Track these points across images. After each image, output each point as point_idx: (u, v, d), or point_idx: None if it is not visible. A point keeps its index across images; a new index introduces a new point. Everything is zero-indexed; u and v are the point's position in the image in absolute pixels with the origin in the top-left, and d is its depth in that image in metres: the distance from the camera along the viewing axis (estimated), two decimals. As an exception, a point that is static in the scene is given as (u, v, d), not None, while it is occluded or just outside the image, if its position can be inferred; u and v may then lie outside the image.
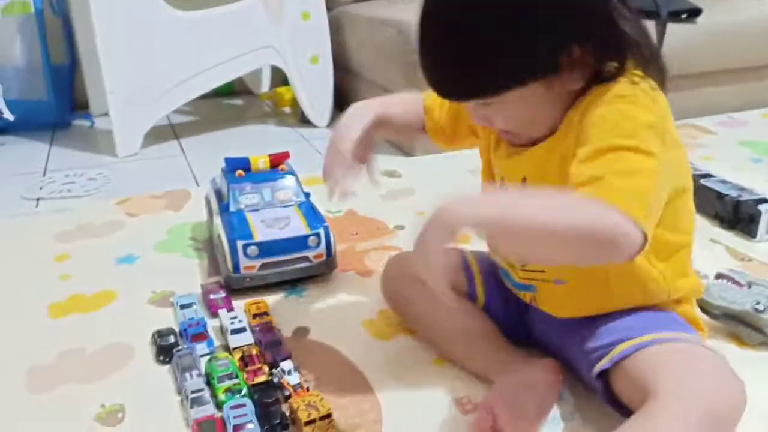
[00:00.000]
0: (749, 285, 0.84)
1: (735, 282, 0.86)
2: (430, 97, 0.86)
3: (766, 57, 1.95)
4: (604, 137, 0.59)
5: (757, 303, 0.81)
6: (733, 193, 1.15)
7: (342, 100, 2.00)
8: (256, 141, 1.84)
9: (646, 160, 0.58)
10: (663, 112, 0.64)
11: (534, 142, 0.69)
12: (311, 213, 1.05)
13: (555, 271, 0.72)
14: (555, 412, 0.73)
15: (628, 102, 0.61)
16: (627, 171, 0.57)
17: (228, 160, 1.09)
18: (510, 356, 0.77)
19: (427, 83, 0.66)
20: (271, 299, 0.97)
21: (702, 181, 1.21)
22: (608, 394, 0.67)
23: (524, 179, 0.72)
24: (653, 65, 0.65)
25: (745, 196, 1.14)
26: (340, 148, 0.80)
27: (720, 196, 1.17)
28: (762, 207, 1.10)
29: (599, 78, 0.64)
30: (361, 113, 0.83)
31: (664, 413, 0.55)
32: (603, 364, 0.65)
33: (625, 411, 0.64)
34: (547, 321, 0.77)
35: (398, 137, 0.83)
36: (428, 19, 0.63)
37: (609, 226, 0.54)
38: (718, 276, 0.89)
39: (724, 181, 1.22)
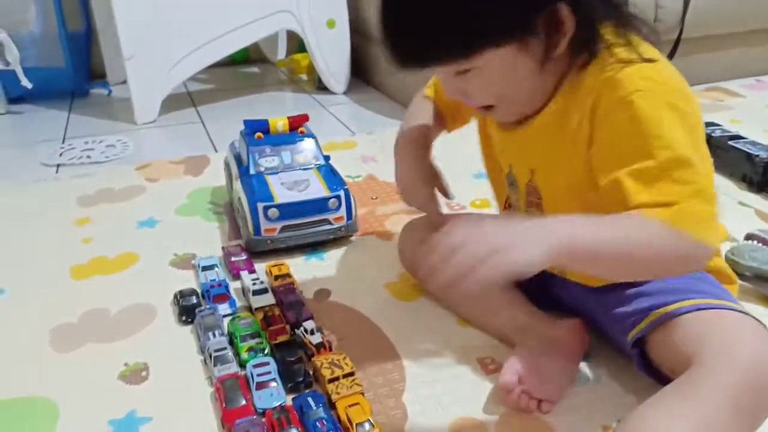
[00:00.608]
0: (780, 245, 0.82)
1: (766, 243, 0.84)
2: (431, 89, 0.86)
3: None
4: (652, 152, 0.56)
5: (790, 263, 0.79)
6: (763, 154, 1.12)
7: (359, 66, 1.97)
8: (272, 108, 1.83)
9: (699, 169, 0.56)
10: (681, 87, 0.60)
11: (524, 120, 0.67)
12: (331, 176, 1.03)
13: None
14: (581, 373, 0.72)
15: (656, 103, 0.57)
16: (692, 194, 0.55)
17: (247, 123, 1.08)
18: (533, 318, 0.76)
19: (389, 53, 0.60)
20: (292, 262, 0.96)
21: (731, 142, 1.18)
22: (643, 361, 0.65)
23: (532, 171, 0.70)
24: (643, 25, 0.62)
25: (774, 157, 1.11)
26: (414, 204, 0.83)
27: (749, 156, 1.14)
28: (792, 168, 1.07)
29: (591, 47, 0.60)
30: (412, 156, 0.82)
31: (709, 380, 0.54)
32: (638, 332, 0.64)
33: (660, 377, 0.63)
34: (572, 286, 0.76)
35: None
36: None
37: (692, 256, 0.57)
38: (748, 237, 0.87)
39: (754, 143, 1.18)
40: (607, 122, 0.60)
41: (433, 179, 0.82)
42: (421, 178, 0.81)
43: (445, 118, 0.86)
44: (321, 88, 1.94)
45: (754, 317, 0.61)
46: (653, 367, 0.65)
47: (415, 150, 0.83)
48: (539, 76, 0.62)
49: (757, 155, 1.13)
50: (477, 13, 0.56)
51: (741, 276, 0.81)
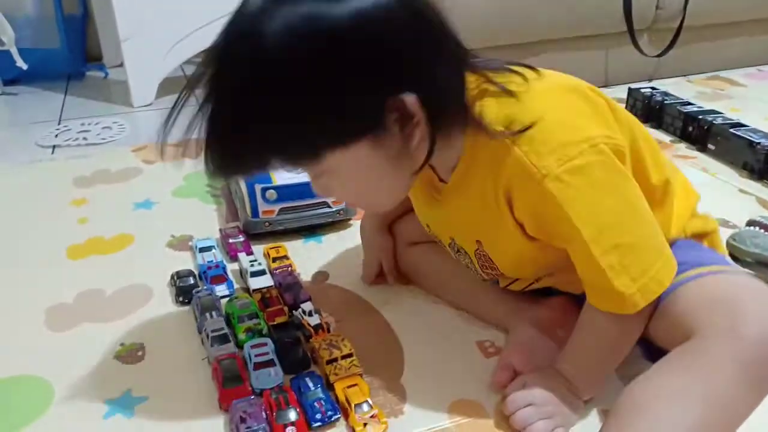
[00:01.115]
0: (782, 231, 0.82)
1: (764, 227, 0.83)
2: None
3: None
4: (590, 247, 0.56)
5: (791, 249, 0.79)
6: (765, 142, 1.12)
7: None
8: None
9: (632, 236, 0.58)
10: (572, 129, 0.57)
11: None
12: (330, 158, 1.02)
13: (535, 277, 0.72)
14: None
15: (569, 183, 0.55)
16: (629, 270, 0.57)
17: (245, 104, 1.07)
18: (520, 302, 0.75)
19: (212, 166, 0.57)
20: (290, 245, 0.95)
21: (732, 130, 1.17)
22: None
23: (479, 242, 0.67)
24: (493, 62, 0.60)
25: (772, 144, 1.11)
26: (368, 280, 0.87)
27: (751, 144, 1.13)
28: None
29: (458, 119, 0.57)
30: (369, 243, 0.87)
31: (714, 350, 0.52)
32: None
33: (655, 352, 0.62)
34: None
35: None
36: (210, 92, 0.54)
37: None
38: (750, 223, 0.86)
39: (755, 131, 1.18)
40: (531, 211, 0.59)
41: (383, 254, 0.85)
42: (372, 256, 0.86)
43: None
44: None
45: (751, 275, 0.60)
46: (648, 341, 0.64)
47: (379, 226, 0.86)
48: (398, 170, 0.58)
49: (759, 143, 1.12)
50: (313, 119, 0.51)
51: (743, 262, 0.81)
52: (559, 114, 0.57)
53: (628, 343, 0.63)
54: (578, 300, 0.68)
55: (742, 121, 1.24)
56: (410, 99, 0.52)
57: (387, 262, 0.85)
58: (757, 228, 0.83)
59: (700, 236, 0.70)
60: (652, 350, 0.63)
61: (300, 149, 0.55)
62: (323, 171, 0.57)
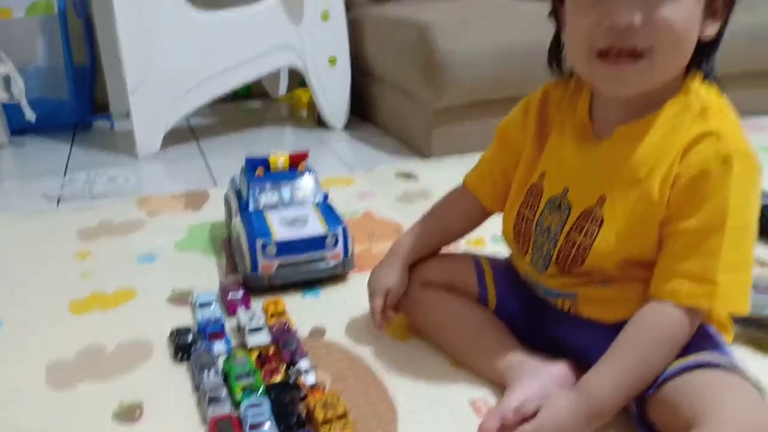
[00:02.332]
0: (772, 290, 0.83)
1: (757, 287, 0.84)
2: (470, 179, 0.87)
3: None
4: (725, 220, 0.62)
5: (780, 308, 0.80)
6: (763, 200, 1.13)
7: (359, 103, 2.00)
8: (272, 143, 1.86)
9: (750, 238, 0.64)
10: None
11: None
12: (330, 213, 1.05)
13: (600, 274, 0.70)
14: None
15: (748, 170, 0.63)
16: (734, 266, 0.63)
17: (248, 159, 1.10)
18: (523, 359, 0.76)
19: None
20: (289, 299, 0.97)
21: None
22: (642, 417, 0.66)
23: (602, 198, 0.69)
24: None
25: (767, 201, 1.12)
26: (370, 295, 0.87)
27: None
28: (785, 212, 1.08)
29: (708, 63, 0.66)
30: (392, 262, 0.87)
31: None
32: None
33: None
34: (575, 328, 0.76)
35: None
36: None
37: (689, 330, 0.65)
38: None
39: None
40: (699, 171, 0.63)
41: (393, 290, 0.85)
42: (385, 284, 0.85)
43: (486, 203, 0.85)
44: (321, 124, 1.97)
45: (749, 378, 0.62)
46: (650, 424, 0.65)
47: (399, 259, 0.87)
48: (690, 46, 0.63)
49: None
50: None
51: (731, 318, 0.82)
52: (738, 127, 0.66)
53: (667, 355, 0.64)
54: (581, 366, 0.70)
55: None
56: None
57: (392, 298, 0.85)
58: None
59: None
60: None
61: None
62: None
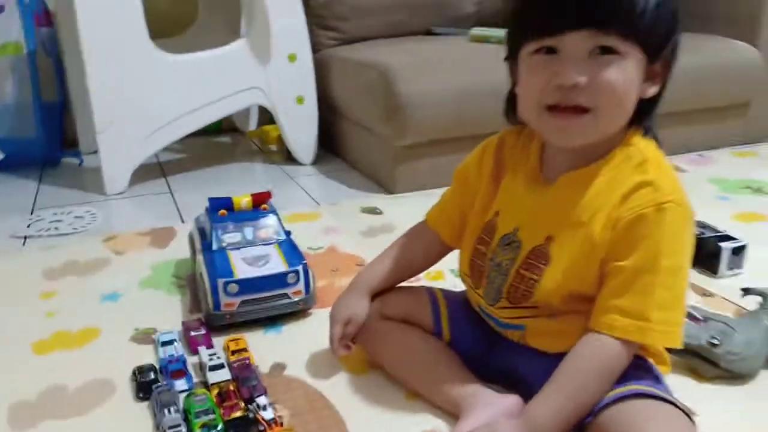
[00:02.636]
0: (706, 320, 0.88)
1: (693, 317, 0.90)
2: (431, 216, 0.92)
3: (736, 97, 2.02)
4: (659, 262, 0.68)
5: (713, 338, 0.85)
6: (695, 230, 1.19)
7: (327, 139, 2.06)
8: (242, 178, 1.89)
9: (682, 280, 0.70)
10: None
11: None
12: (291, 251, 1.08)
13: (547, 308, 0.75)
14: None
15: (681, 219, 0.68)
16: (666, 304, 0.68)
17: (211, 200, 1.13)
18: (477, 390, 0.79)
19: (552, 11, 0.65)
20: (251, 335, 1.00)
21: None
22: None
23: (549, 238, 0.73)
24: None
25: (708, 233, 1.19)
26: (332, 323, 0.90)
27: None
28: (723, 244, 1.15)
29: (647, 120, 0.72)
30: (355, 294, 0.91)
31: None
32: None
33: None
34: (523, 360, 0.80)
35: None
36: None
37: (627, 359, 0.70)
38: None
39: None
40: (636, 215, 0.68)
41: (354, 319, 0.88)
42: (345, 314, 0.88)
43: (448, 239, 0.90)
44: (290, 159, 2.01)
45: (681, 407, 0.67)
46: None
47: (360, 290, 0.90)
48: (630, 106, 0.69)
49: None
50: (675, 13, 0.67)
51: (669, 349, 0.87)
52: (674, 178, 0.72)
53: (605, 383, 0.69)
54: (533, 396, 0.73)
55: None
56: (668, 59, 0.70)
57: (352, 327, 0.88)
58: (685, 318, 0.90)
59: None
60: None
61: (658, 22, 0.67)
62: (610, 51, 0.65)
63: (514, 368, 0.82)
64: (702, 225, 1.23)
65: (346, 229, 1.45)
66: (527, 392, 0.76)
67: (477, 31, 1.95)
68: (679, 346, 0.70)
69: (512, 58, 0.74)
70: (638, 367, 0.73)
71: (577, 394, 0.69)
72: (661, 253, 0.67)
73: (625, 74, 0.66)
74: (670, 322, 0.68)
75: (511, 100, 0.80)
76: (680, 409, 0.67)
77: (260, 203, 1.15)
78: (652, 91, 0.70)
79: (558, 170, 0.75)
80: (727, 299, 1.08)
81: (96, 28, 1.61)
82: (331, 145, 2.08)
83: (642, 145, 0.72)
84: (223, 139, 2.36)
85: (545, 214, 0.75)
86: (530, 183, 0.77)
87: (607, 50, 0.65)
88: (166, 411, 0.80)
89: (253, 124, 2.37)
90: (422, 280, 1.16)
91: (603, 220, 0.70)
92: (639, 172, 0.70)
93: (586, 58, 0.65)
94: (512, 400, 0.77)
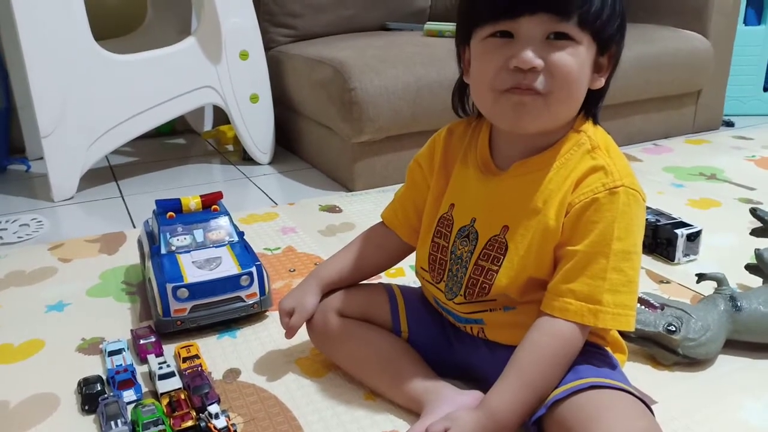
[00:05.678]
0: (662, 307, 0.89)
1: (649, 305, 0.90)
2: (386, 216, 0.90)
3: (687, 86, 2.06)
4: (610, 244, 0.68)
5: (670, 324, 0.85)
6: (651, 218, 1.20)
7: (285, 138, 2.02)
8: (197, 180, 1.84)
9: (634, 263, 0.69)
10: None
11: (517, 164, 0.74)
12: (244, 252, 1.05)
13: (504, 299, 0.74)
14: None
15: (632, 202, 0.69)
16: (618, 286, 0.68)
17: (159, 202, 1.09)
18: (438, 386, 0.78)
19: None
20: (204, 341, 0.96)
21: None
22: None
23: (505, 228, 0.73)
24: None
25: (663, 221, 1.20)
26: (281, 310, 0.89)
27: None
28: (678, 231, 1.15)
29: (594, 108, 0.73)
30: (306, 289, 0.88)
31: None
32: (538, 410, 0.68)
33: None
34: (483, 354, 0.79)
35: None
36: None
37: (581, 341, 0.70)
38: (635, 300, 0.92)
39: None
40: (588, 200, 0.68)
41: (303, 312, 0.87)
42: (290, 304, 0.87)
43: (405, 236, 0.88)
44: (247, 159, 1.97)
45: (641, 399, 0.66)
46: None
47: (313, 283, 0.89)
48: (581, 95, 0.69)
49: (646, 218, 1.21)
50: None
51: (628, 338, 0.87)
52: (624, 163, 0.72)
53: (560, 367, 0.69)
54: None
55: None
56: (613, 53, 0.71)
57: (298, 318, 0.86)
58: (640, 305, 0.90)
59: None
60: None
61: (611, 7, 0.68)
62: (565, 36, 0.65)
63: (474, 363, 0.81)
64: (657, 213, 1.24)
65: (304, 228, 1.42)
66: (488, 386, 0.75)
67: (431, 25, 1.95)
68: (631, 329, 0.69)
69: (463, 45, 0.73)
70: (595, 356, 0.73)
71: (534, 380, 0.68)
72: (613, 236, 0.67)
73: (579, 61, 0.66)
74: (622, 305, 0.68)
75: (459, 91, 0.79)
76: (637, 397, 0.66)
77: (210, 204, 1.11)
78: (599, 83, 0.71)
79: (510, 159, 0.74)
80: (684, 285, 1.09)
81: (37, 31, 1.54)
82: (288, 143, 2.05)
83: (591, 132, 0.72)
84: (177, 140, 2.30)
85: (500, 204, 0.74)
86: (482, 173, 0.76)
87: (561, 36, 0.65)
88: (112, 423, 0.76)
89: (207, 125, 2.32)
90: (382, 277, 1.15)
91: (556, 206, 0.70)
92: (590, 158, 0.70)
93: (542, 43, 0.65)
94: (474, 395, 0.76)
